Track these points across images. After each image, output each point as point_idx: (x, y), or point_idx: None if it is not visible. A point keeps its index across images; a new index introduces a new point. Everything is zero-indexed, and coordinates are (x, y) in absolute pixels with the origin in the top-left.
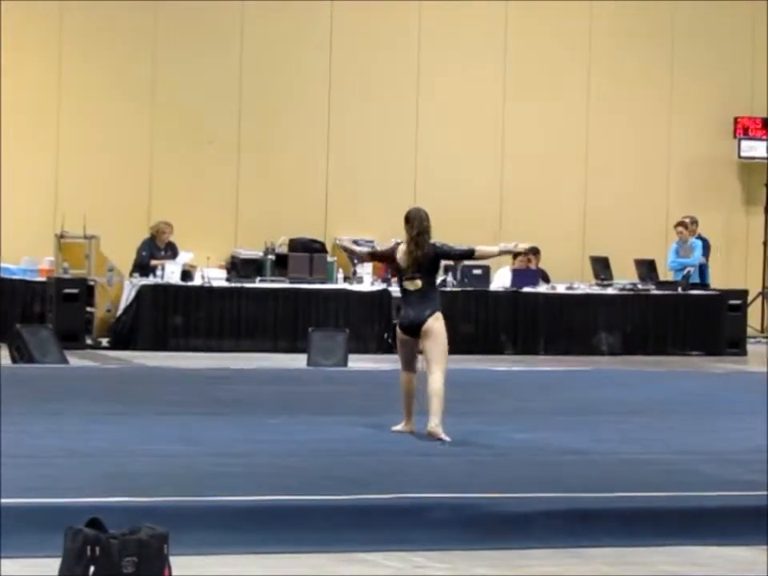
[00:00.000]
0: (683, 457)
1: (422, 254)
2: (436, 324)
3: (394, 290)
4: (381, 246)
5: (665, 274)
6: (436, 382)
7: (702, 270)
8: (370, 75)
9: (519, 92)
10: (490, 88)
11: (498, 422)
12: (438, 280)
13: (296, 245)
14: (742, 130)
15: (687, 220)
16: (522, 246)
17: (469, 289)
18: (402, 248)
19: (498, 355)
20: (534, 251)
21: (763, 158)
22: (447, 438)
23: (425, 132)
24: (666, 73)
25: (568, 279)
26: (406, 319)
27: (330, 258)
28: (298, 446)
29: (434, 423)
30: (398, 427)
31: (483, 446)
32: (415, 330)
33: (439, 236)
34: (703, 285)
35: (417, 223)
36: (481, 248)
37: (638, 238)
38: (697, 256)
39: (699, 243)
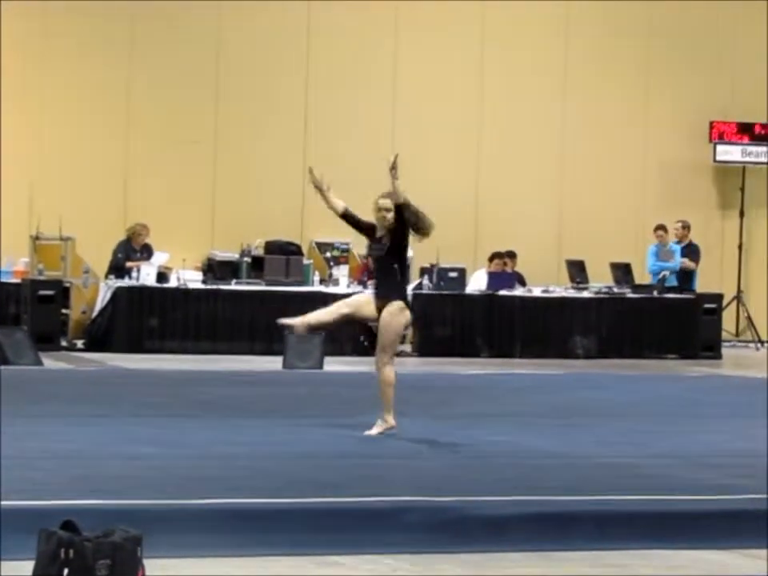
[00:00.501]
0: (658, 460)
1: None
2: None
3: (371, 292)
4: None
5: (641, 277)
6: None
7: (691, 275)
8: (347, 79)
9: (495, 95)
10: (466, 92)
11: (474, 425)
12: (414, 283)
13: (272, 247)
14: (718, 134)
15: (679, 224)
16: None
17: (444, 292)
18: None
19: (474, 358)
20: (511, 254)
21: (738, 162)
22: None
23: (401, 135)
24: (642, 76)
25: (544, 282)
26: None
27: (306, 261)
28: (274, 448)
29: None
30: (388, 425)
31: (459, 449)
32: None
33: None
34: (690, 290)
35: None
36: None
37: (613, 242)
38: (677, 260)
39: (678, 248)
